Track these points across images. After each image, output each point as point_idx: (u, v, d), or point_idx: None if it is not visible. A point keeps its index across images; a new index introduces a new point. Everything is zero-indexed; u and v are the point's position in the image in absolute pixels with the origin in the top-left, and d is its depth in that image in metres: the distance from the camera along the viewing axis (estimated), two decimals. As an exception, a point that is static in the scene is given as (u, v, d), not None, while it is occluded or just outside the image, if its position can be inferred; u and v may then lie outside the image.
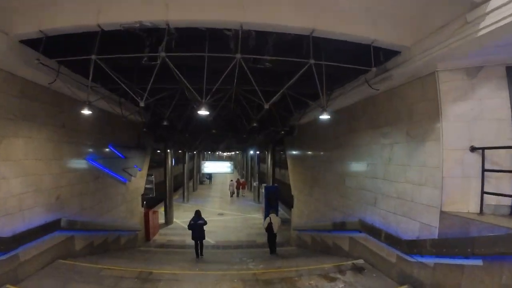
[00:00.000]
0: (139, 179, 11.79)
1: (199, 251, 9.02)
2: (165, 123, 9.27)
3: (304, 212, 11.02)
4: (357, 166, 6.73)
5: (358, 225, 6.38)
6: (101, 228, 7.79)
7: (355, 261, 6.18)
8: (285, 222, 15.78)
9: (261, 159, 23.45)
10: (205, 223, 9.12)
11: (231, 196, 25.03)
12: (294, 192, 12.57)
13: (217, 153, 20.25)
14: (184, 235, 12.85)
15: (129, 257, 7.99)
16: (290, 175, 13.16)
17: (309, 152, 10.46)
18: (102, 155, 8.19)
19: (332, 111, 6.36)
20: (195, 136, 13.31)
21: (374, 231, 5.78)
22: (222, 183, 33.22)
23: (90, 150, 7.44)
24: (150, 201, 18.78)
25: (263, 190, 16.39)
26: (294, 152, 12.81)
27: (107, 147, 8.64)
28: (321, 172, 9.13)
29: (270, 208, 14.41)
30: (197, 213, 9.32)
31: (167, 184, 15.42)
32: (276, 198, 15.32)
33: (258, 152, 22.63)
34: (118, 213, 9.30)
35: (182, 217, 16.94)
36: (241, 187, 26.40)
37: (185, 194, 22.38)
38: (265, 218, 14.02)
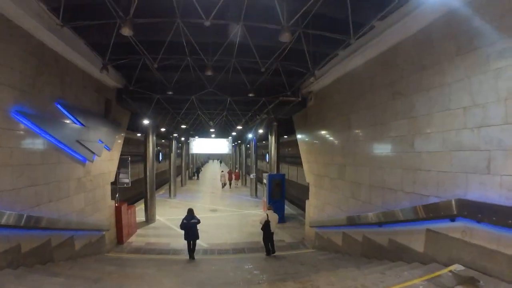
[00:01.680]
0: (107, 162, 9.09)
1: (192, 253, 8.30)
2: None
3: (327, 203, 8.61)
4: (441, 118, 4.33)
5: (450, 209, 4.00)
6: (35, 225, 5.08)
7: (453, 269, 3.76)
8: (292, 218, 13.41)
9: (259, 148, 20.95)
10: (199, 222, 8.44)
11: (223, 187, 23.84)
12: (309, 179, 10.15)
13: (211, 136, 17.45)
14: (168, 236, 10.26)
15: (76, 274, 5.28)
16: (304, 159, 10.75)
17: (336, 122, 8.03)
18: (41, 113, 5.51)
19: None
20: (183, 103, 10.59)
21: (488, 215, 3.41)
22: (214, 179, 30.65)
23: (17, 98, 4.76)
24: (127, 194, 16.05)
25: (265, 181, 13.91)
26: (308, 131, 10.39)
27: (52, 104, 5.95)
28: (360, 144, 6.74)
29: (274, 201, 12.09)
30: (190, 212, 8.48)
31: (148, 174, 12.70)
32: (281, 189, 12.91)
33: (255, 138, 20.11)
34: (70, 205, 6.64)
35: (167, 214, 14.28)
36: (234, 178, 25.25)
37: (172, 188, 19.62)
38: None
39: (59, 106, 6.16)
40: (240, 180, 26.84)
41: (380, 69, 5.91)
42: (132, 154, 12.85)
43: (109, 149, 9.11)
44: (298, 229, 11.67)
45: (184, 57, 7.14)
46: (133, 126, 15.96)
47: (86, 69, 7.28)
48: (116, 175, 10.32)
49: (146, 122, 10.52)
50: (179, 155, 28.71)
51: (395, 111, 5.47)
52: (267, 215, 8.41)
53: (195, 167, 34.79)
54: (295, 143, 11.61)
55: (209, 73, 7.24)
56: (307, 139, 10.50)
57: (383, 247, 5.68)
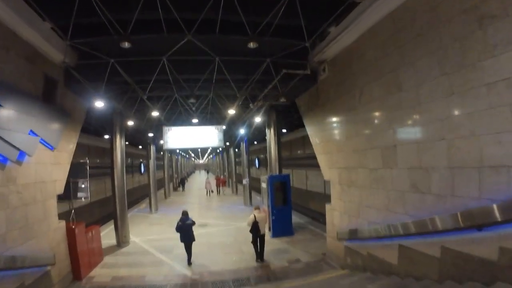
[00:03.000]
0: (50, 167, 6.56)
1: (189, 256, 8.18)
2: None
3: (364, 205, 6.39)
4: None
5: None
6: None
7: None
8: (300, 229, 11.08)
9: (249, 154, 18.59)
10: (194, 223, 8.37)
11: (208, 195, 23.32)
12: (329, 175, 7.94)
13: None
14: (144, 265, 7.80)
15: None
16: (318, 150, 8.56)
17: (373, 88, 5.91)
18: None
19: None
20: (148, 70, 7.56)
21: None
22: (200, 189, 27.93)
23: None
24: (93, 214, 13.30)
25: (263, 185, 11.57)
26: (323, 112, 8.22)
27: None
28: (423, 108, 4.59)
29: (278, 209, 9.87)
30: (184, 213, 8.42)
31: (116, 185, 10.07)
32: (286, 193, 10.63)
33: (246, 138, 17.80)
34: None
35: (145, 233, 11.65)
36: (221, 184, 25.14)
37: (152, 201, 16.87)
38: (272, 221, 9.44)
39: None
40: (226, 187, 26.60)
41: None
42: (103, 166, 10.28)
43: (52, 148, 6.56)
44: (313, 243, 9.35)
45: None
46: (99, 129, 13.36)
47: (8, 22, 4.88)
48: (72, 186, 7.74)
49: (101, 105, 7.36)
50: (160, 165, 26.00)
51: (485, 45, 3.37)
52: (254, 216, 7.90)
53: (179, 177, 31.82)
54: (291, 141, 9.56)
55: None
56: (321, 124, 8.29)
57: (490, 262, 3.46)
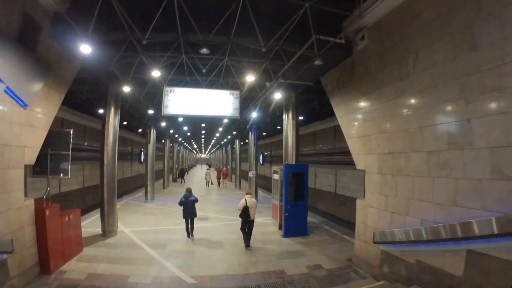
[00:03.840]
0: (19, 128, 5.22)
1: (190, 230, 8.72)
2: None
3: (416, 198, 5.05)
4: None
5: None
6: None
7: None
8: (314, 229, 9.65)
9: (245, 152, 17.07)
10: (197, 200, 9.04)
11: (207, 186, 23.53)
12: (364, 163, 6.55)
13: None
14: (129, 262, 6.52)
15: None
16: (350, 133, 7.10)
17: (436, 52, 4.59)
18: None
19: None
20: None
21: None
22: (202, 181, 26.58)
23: None
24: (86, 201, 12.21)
25: (275, 176, 10.16)
26: (359, 88, 6.82)
27: None
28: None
29: (293, 204, 8.56)
30: (188, 190, 9.16)
31: (105, 164, 8.68)
32: (304, 186, 9.21)
33: (255, 128, 16.39)
34: None
35: (137, 223, 10.28)
36: (222, 176, 25.22)
37: (149, 189, 15.52)
38: (284, 217, 8.06)
39: None
40: (227, 179, 26.85)
41: None
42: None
43: (23, 105, 5.22)
44: (332, 246, 7.94)
45: None
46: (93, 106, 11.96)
47: None
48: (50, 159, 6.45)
49: (89, 50, 5.73)
50: (160, 156, 24.72)
51: None
52: (245, 200, 7.87)
53: (179, 168, 30.26)
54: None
55: None
56: (356, 102, 6.85)
57: None
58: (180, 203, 8.75)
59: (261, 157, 32.55)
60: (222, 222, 10.52)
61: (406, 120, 5.32)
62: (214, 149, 61.95)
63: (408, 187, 5.21)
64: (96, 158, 17.71)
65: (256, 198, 16.34)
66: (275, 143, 29.31)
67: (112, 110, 9.00)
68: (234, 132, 19.21)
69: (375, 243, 5.72)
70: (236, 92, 8.26)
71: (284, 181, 8.84)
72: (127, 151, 25.96)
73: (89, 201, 16.29)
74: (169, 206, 13.97)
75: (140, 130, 18.85)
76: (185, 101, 8.03)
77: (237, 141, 23.65)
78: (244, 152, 28.65)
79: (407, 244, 5.08)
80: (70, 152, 6.82)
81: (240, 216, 7.90)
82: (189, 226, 8.69)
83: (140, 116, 14.66)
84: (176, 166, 30.46)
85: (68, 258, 6.58)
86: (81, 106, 14.28)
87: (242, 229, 7.94)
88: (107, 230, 8.58)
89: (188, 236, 8.62)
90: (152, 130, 16.00)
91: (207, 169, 27.39)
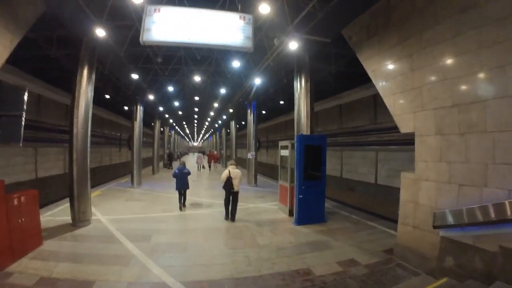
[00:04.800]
0: None
1: (182, 201, 9.10)
2: None
3: (496, 165, 3.64)
4: None
5: None
6: None
7: None
8: (331, 214, 8.19)
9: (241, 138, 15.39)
10: (189, 173, 9.37)
11: (199, 170, 22.94)
12: (416, 124, 4.98)
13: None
14: (100, 261, 4.89)
15: None
16: (390, 91, 5.55)
17: None
18: None
19: None
20: None
21: None
22: (192, 166, 24.93)
23: None
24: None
25: (283, 152, 8.62)
26: (399, 37, 5.22)
27: None
28: None
29: (307, 184, 7.04)
30: (182, 163, 9.60)
31: (74, 130, 6.96)
32: (321, 161, 7.73)
33: (255, 103, 14.72)
34: None
35: (117, 211, 8.71)
36: (213, 160, 25.23)
37: (135, 173, 13.85)
38: (297, 201, 6.58)
39: None
40: (217, 163, 26.67)
41: None
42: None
43: None
44: (360, 234, 6.50)
45: None
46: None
47: None
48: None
49: None
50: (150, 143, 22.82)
51: None
52: (229, 171, 7.66)
53: (166, 154, 27.42)
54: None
55: None
56: (396, 49, 5.26)
57: None
58: (174, 175, 9.14)
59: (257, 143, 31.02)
60: (217, 209, 9.00)
61: (478, 60, 3.81)
62: (207, 135, 59.99)
63: (485, 148, 3.76)
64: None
65: (255, 182, 14.90)
66: (271, 127, 27.72)
67: (86, 70, 7.26)
68: (231, 110, 17.40)
69: (435, 227, 4.23)
70: (249, 16, 5.77)
71: (298, 155, 7.26)
72: (115, 135, 24.05)
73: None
74: (158, 192, 12.38)
75: (126, 108, 16.92)
76: (176, 24, 5.64)
77: (232, 123, 21.92)
78: (240, 138, 27.07)
79: (485, 227, 3.66)
80: (23, 114, 5.11)
81: (224, 187, 7.62)
82: (182, 197, 9.05)
83: (123, 86, 12.74)
84: (167, 151, 28.62)
85: (19, 255, 4.96)
86: (60, 81, 12.44)
87: (226, 202, 7.72)
88: (78, 218, 6.96)
89: (181, 209, 8.90)
90: (138, 106, 14.17)
91: (198, 154, 26.58)
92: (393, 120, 5.37)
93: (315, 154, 7.56)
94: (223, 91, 13.38)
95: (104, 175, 19.42)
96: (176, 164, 26.87)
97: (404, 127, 5.10)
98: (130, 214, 8.20)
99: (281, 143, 8.99)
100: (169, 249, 5.52)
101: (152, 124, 22.05)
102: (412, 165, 4.96)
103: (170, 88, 13.23)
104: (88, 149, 7.34)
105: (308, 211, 7.28)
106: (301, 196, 7.20)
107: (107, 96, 14.01)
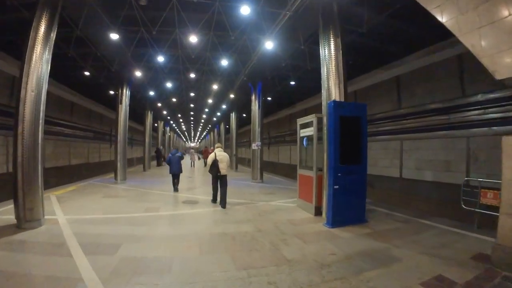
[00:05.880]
0: None
1: (175, 185, 9.70)
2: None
3: None
4: None
5: None
6: None
7: None
8: (369, 212, 6.25)
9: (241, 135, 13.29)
10: (182, 157, 9.93)
11: (192, 166, 22.47)
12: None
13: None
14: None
15: None
16: (474, 23, 3.53)
17: None
18: None
19: None
20: None
21: None
22: (187, 163, 22.97)
23: None
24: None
25: (306, 132, 6.77)
26: None
27: None
28: None
29: (344, 169, 5.14)
30: (175, 147, 10.89)
31: (22, 95, 5.03)
32: (361, 137, 5.75)
33: (260, 84, 12.80)
34: None
35: (87, 209, 6.76)
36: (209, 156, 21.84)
37: (119, 166, 11.85)
38: (332, 194, 4.58)
39: None
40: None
41: None
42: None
43: None
44: (422, 237, 4.62)
45: None
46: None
47: None
48: None
49: None
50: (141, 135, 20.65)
51: None
52: (215, 154, 7.35)
53: (154, 151, 24.35)
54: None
55: None
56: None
57: None
58: (168, 161, 9.74)
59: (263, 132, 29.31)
60: (217, 207, 7.08)
61: None
62: (204, 133, 57.91)
63: None
64: (62, 133, 13.92)
65: (261, 178, 12.97)
66: (273, 122, 25.76)
67: (44, 21, 5.35)
68: (232, 96, 15.33)
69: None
70: None
71: (332, 130, 5.30)
72: (105, 130, 21.95)
73: (52, 183, 12.28)
74: (144, 188, 10.43)
75: (112, 93, 14.76)
76: None
77: (232, 115, 19.97)
78: (240, 136, 25.33)
79: None
80: None
81: (210, 171, 7.42)
82: (175, 180, 9.70)
83: (104, 59, 10.64)
84: (161, 147, 26.50)
85: None
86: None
87: (214, 186, 7.57)
88: (23, 217, 4.98)
89: (175, 190, 9.52)
90: (124, 87, 12.17)
91: (192, 151, 27.05)
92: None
93: (350, 131, 5.61)
94: (225, 62, 11.28)
95: (94, 172, 17.30)
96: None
97: (500, 72, 3.16)
98: (101, 214, 6.18)
99: (300, 121, 7.03)
100: (142, 268, 3.48)
101: (144, 117, 20.05)
102: None
103: (161, 59, 11.16)
104: (41, 128, 5.33)
105: (346, 207, 5.32)
106: (336, 187, 5.23)
107: (87, 73, 11.92)
